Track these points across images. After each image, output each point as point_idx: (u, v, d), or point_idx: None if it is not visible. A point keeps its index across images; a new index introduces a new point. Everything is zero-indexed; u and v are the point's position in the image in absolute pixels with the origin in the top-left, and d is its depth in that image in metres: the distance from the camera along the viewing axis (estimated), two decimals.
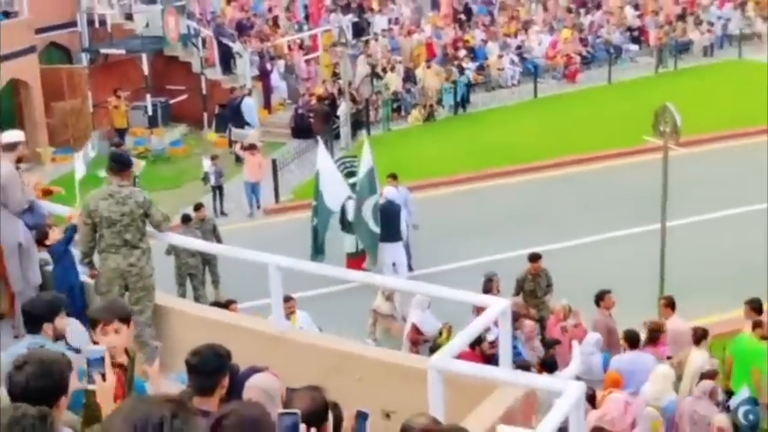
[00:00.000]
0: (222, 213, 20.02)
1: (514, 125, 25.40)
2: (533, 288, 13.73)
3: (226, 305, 11.01)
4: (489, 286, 12.89)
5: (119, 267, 7.57)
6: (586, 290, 14.85)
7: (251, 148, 20.47)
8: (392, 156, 22.52)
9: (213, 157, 20.68)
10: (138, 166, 17.84)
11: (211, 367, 4.33)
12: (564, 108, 27.16)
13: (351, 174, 17.21)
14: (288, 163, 21.84)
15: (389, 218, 16.08)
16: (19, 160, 8.04)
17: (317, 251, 16.53)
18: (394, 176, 17.18)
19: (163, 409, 2.41)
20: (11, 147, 7.83)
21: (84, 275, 8.00)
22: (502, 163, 21.24)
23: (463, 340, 6.13)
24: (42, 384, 3.65)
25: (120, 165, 7.73)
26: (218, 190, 20.31)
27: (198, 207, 16.01)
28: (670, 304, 12.22)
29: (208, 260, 15.43)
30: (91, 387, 3.89)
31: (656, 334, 11.40)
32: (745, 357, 10.85)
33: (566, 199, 20.05)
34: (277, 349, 6.85)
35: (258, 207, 20.23)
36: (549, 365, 10.44)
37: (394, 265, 16.13)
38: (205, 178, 20.59)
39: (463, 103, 27.56)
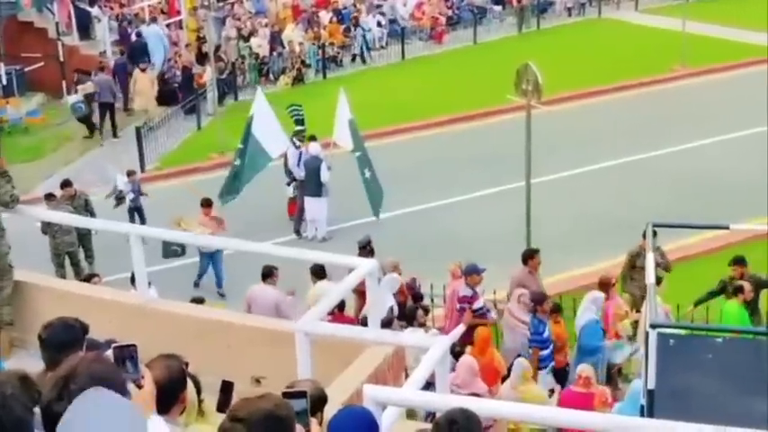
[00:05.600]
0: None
1: (383, 87, 25.50)
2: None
3: (87, 279, 10.77)
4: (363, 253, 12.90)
5: None
6: (457, 249, 15.19)
7: (206, 205, 15.00)
8: None
9: (129, 174, 16.76)
10: None
11: (62, 340, 4.19)
12: (431, 69, 27.43)
13: (299, 121, 17.68)
14: (153, 130, 21.33)
15: (312, 173, 16.56)
16: None
17: (232, 191, 16.81)
18: (314, 138, 17.40)
19: None
20: None
21: None
22: (370, 125, 21.26)
23: (328, 303, 6.15)
24: None
25: None
26: (136, 212, 16.39)
27: (65, 184, 15.39)
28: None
29: (82, 236, 15.01)
30: None
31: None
32: None
33: (434, 160, 20.29)
34: (140, 320, 6.74)
35: (221, 286, 14.94)
36: (408, 317, 10.72)
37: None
38: (119, 197, 16.45)
39: (363, 55, 28.47)
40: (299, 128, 17.61)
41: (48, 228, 14.32)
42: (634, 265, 12.85)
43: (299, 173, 17.03)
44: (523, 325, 11.48)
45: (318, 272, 11.76)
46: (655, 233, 12.82)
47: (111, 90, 22.69)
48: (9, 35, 24.89)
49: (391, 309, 11.21)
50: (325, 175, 16.57)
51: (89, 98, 22.54)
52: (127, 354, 3.27)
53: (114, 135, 22.53)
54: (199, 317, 6.95)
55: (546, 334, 11.08)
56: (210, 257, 14.90)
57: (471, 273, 11.78)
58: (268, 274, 11.66)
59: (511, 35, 31.12)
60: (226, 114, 23.18)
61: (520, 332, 11.54)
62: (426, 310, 11.70)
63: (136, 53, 25.06)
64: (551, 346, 11.15)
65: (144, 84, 22.79)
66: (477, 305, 11.61)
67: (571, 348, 11.69)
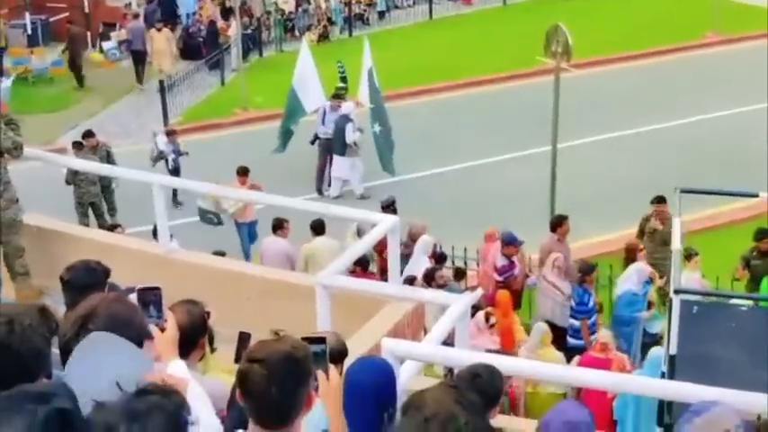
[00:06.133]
0: (177, 203, 15.60)
1: (409, 47, 25.33)
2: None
3: (110, 229, 10.86)
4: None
5: None
6: (480, 212, 15.17)
7: (243, 173, 14.10)
8: (284, 78, 22.25)
9: (169, 133, 16.36)
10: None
11: (84, 282, 4.24)
12: (459, 30, 27.21)
13: (343, 79, 17.81)
14: (177, 84, 21.34)
15: (340, 132, 16.66)
16: None
17: (280, 143, 17.50)
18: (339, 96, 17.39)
19: None
20: None
21: None
22: (397, 85, 21.20)
23: (349, 257, 6.17)
24: None
25: None
26: (174, 174, 15.46)
27: (87, 134, 15.43)
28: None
29: (103, 187, 15.08)
30: None
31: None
32: None
33: (463, 120, 20.20)
34: (162, 269, 6.78)
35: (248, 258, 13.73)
36: (427, 278, 10.77)
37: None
38: (158, 158, 16.00)
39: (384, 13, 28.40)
40: (341, 84, 17.65)
41: (73, 177, 14.37)
42: (643, 231, 12.84)
43: (323, 130, 17.05)
44: (556, 290, 11.43)
45: (317, 227, 11.75)
46: (661, 199, 12.86)
47: (143, 38, 22.90)
48: None
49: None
50: (350, 136, 16.58)
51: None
52: (151, 297, 3.29)
53: (140, 82, 22.78)
54: (219, 268, 7.00)
55: (591, 304, 11.03)
56: (249, 229, 14.17)
57: (509, 244, 11.78)
58: (278, 225, 11.73)
59: None
60: (250, 70, 23.14)
61: (551, 297, 11.49)
62: (463, 273, 11.70)
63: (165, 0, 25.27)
64: (596, 317, 11.13)
65: (160, 43, 22.52)
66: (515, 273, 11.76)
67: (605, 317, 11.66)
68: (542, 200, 14.45)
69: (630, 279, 11.31)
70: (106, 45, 24.29)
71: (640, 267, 11.42)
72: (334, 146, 16.86)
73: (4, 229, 7.36)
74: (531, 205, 15.16)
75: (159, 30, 22.64)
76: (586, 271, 11.20)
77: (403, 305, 6.21)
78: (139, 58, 22.85)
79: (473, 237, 13.02)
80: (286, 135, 17.55)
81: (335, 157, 16.91)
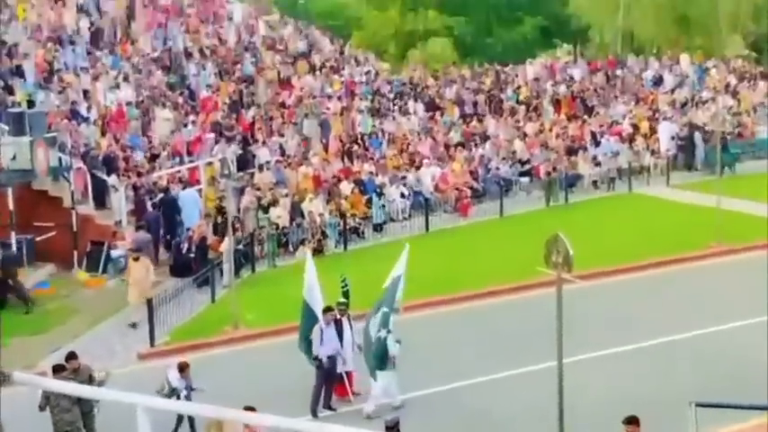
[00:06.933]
0: None
1: (408, 259, 25.60)
2: None
3: None
4: None
5: None
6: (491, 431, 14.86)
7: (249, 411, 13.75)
8: (277, 293, 22.42)
9: (182, 368, 15.90)
10: None
11: None
12: (456, 242, 27.64)
13: (345, 294, 17.90)
14: (165, 302, 21.38)
15: (380, 345, 16.47)
16: None
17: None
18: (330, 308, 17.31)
19: None
20: None
21: None
22: None
23: None
24: None
25: None
26: None
27: (69, 357, 15.32)
28: None
29: (84, 414, 14.78)
30: None
31: None
32: None
33: (465, 335, 20.18)
34: None
35: None
36: None
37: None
38: (170, 395, 15.45)
39: (377, 226, 29.09)
40: (342, 300, 17.68)
41: (47, 403, 14.16)
42: None
43: (326, 349, 16.84)
44: None
45: None
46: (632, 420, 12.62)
47: (149, 248, 23.32)
48: (22, 203, 25.30)
49: None
50: (392, 348, 16.44)
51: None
52: None
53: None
54: None
55: None
56: None
57: None
58: None
59: (538, 208, 31.50)
60: (242, 286, 23.29)
61: None
62: None
63: (167, 209, 26.19)
64: None
65: (139, 273, 21.79)
66: None
67: None
68: (551, 418, 14.19)
69: None
70: (114, 253, 25.07)
71: None
72: (370, 361, 16.56)
73: None
74: (539, 424, 14.87)
75: (136, 259, 21.98)
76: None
77: None
78: None
79: None
80: (308, 344, 17.34)
81: (378, 374, 16.45)
